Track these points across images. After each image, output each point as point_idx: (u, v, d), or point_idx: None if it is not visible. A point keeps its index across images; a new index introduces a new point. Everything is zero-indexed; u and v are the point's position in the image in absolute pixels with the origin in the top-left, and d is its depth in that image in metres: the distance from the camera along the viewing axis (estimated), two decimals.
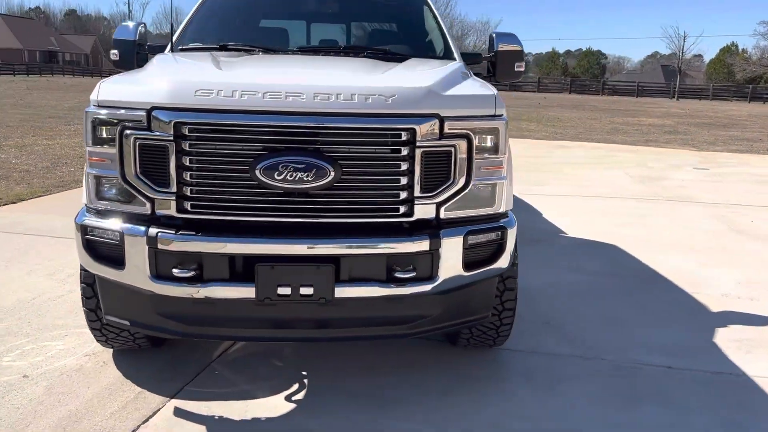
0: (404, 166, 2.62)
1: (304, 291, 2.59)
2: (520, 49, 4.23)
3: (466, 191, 2.75)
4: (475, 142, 2.73)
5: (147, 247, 2.59)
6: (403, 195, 2.65)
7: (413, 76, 3.09)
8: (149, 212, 2.64)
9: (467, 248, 2.75)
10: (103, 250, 2.72)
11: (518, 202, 6.95)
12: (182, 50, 3.77)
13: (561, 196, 7.97)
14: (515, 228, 2.93)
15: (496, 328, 3.29)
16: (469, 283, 2.84)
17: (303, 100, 2.56)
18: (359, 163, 2.60)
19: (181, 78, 2.76)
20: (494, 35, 4.15)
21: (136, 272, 2.64)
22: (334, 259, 2.61)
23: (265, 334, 2.81)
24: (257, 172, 2.51)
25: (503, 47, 4.14)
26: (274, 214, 2.61)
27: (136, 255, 2.62)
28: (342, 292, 2.63)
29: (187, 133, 2.55)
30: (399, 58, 3.63)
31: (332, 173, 2.53)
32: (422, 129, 2.61)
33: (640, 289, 4.60)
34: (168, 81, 2.66)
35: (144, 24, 4.16)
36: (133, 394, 3.01)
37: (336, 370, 3.29)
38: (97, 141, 2.67)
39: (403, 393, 3.10)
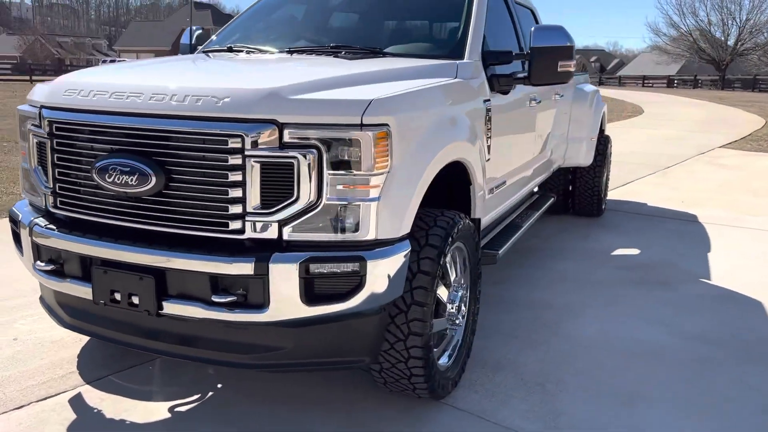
0: (233, 177, 2.35)
1: (133, 299, 2.50)
2: (565, 45, 3.46)
3: (315, 211, 2.36)
4: (327, 155, 2.33)
5: (30, 237, 2.76)
6: (234, 209, 2.37)
7: (282, 76, 2.74)
8: (44, 205, 2.80)
9: (307, 278, 2.35)
10: (15, 236, 2.96)
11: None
12: (203, 52, 3.90)
13: None
14: (390, 260, 2.43)
15: (407, 377, 2.76)
16: (325, 319, 2.44)
17: (139, 101, 2.46)
18: (187, 170, 2.41)
19: (66, 78, 2.86)
20: (533, 29, 3.45)
21: (27, 259, 2.83)
22: (160, 271, 2.46)
23: (112, 335, 2.77)
24: (93, 173, 2.49)
25: (540, 44, 3.43)
26: (113, 217, 2.56)
27: (26, 243, 2.81)
28: (169, 307, 2.47)
29: (54, 131, 2.64)
30: (374, 55, 3.31)
31: (154, 179, 2.39)
32: (254, 136, 2.31)
33: None
34: (55, 81, 2.79)
35: (203, 28, 4.39)
36: (65, 372, 3.22)
37: (266, 394, 3.11)
38: (21, 135, 2.92)
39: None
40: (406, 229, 2.54)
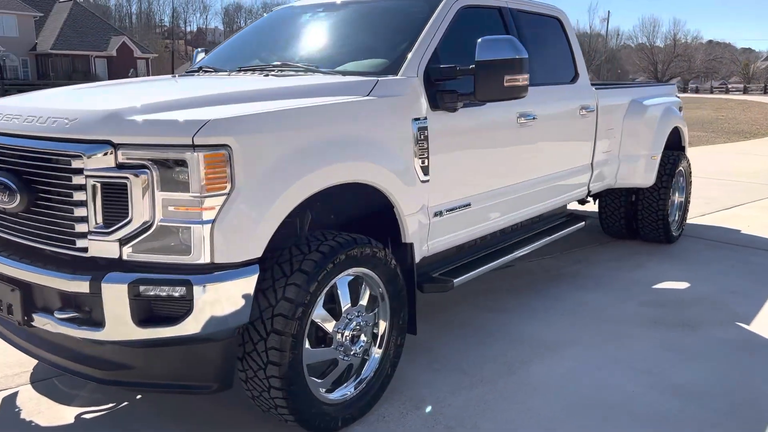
0: (78, 196, 2.42)
1: (11, 308, 2.65)
2: (512, 58, 3.16)
3: (150, 232, 2.36)
4: (160, 176, 2.33)
5: None
6: (80, 227, 2.44)
7: (136, 97, 2.74)
8: None
9: (137, 299, 2.36)
10: None
11: None
12: (186, 73, 4.07)
13: None
14: (226, 284, 2.36)
15: (274, 408, 2.66)
16: (163, 342, 2.42)
17: (16, 123, 2.63)
18: (45, 189, 2.53)
19: None
20: (479, 41, 3.19)
21: None
22: (26, 284, 2.58)
23: (8, 336, 2.93)
24: None
25: (485, 57, 3.16)
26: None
27: None
28: (37, 319, 2.59)
29: None
30: (304, 73, 3.27)
31: (19, 196, 2.52)
32: (91, 156, 2.37)
33: None
34: None
35: (206, 50, 4.58)
36: (19, 371, 3.49)
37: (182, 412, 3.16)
38: None
39: None
40: (254, 253, 2.45)
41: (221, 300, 2.37)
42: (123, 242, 2.38)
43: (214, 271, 2.37)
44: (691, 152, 13.33)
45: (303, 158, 2.58)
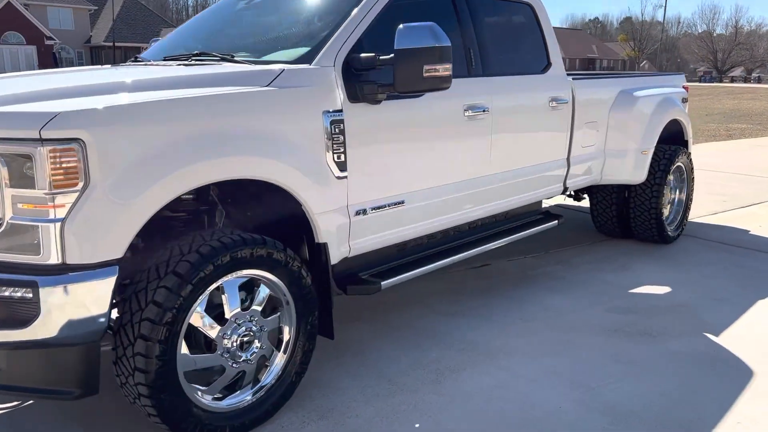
0: None
1: None
2: (431, 47, 2.94)
3: (1, 230, 2.26)
4: (7, 172, 2.22)
5: None
6: None
7: (5, 87, 2.61)
8: None
9: None
10: None
11: None
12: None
13: None
14: (79, 286, 2.25)
15: (147, 415, 2.53)
16: (20, 345, 2.32)
17: None
18: None
19: None
20: (398, 28, 2.98)
21: None
22: None
23: None
24: None
25: (403, 45, 2.95)
26: None
27: None
28: None
29: None
30: (217, 62, 3.15)
31: None
32: None
33: None
34: None
35: (157, 40, 4.47)
36: None
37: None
38: None
39: None
40: (112, 254, 2.32)
41: (73, 303, 2.26)
42: None
43: (66, 272, 2.25)
44: (725, 146, 12.72)
45: (175, 153, 2.43)
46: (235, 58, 3.20)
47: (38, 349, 2.32)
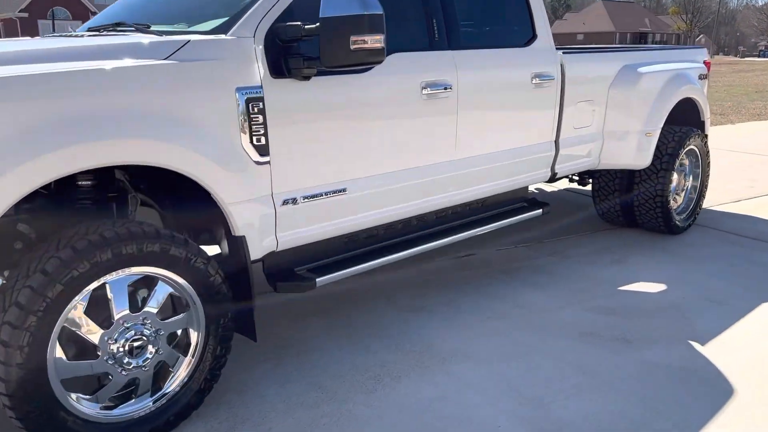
0: None
1: None
2: (357, 15, 2.57)
3: None
4: None
5: None
6: None
7: None
8: None
9: None
10: None
11: None
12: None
13: None
14: None
15: (17, 428, 2.29)
16: None
17: None
18: None
19: None
20: None
21: None
22: None
23: None
24: None
25: (329, 14, 2.59)
26: None
27: None
28: None
29: None
30: (134, 32, 2.86)
31: None
32: None
33: None
34: None
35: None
36: None
37: None
38: None
39: None
40: None
41: None
42: None
43: None
44: (760, 126, 11.83)
45: (34, 136, 2.14)
46: (151, 29, 2.88)
47: None
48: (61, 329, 2.26)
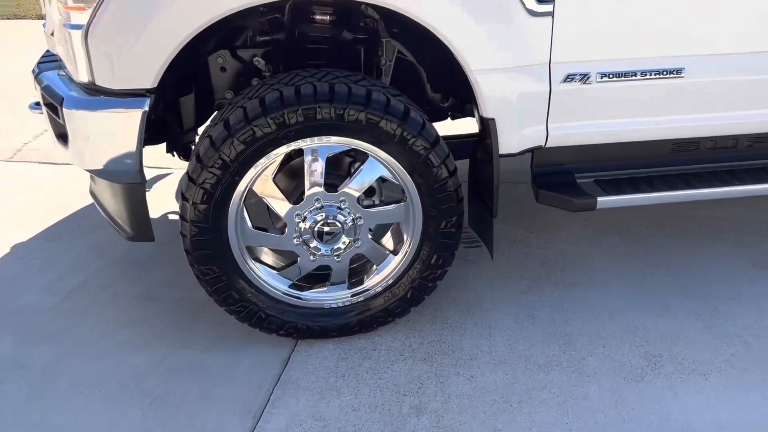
0: None
1: None
2: None
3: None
4: None
5: None
6: None
7: None
8: None
9: None
10: None
11: None
12: None
13: None
14: (90, 113, 1.89)
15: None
16: None
17: None
18: None
19: None
20: None
21: None
22: None
23: None
24: None
25: None
26: None
27: None
28: None
29: None
30: None
31: None
32: None
33: None
34: None
35: None
36: None
37: None
38: None
39: None
40: (140, 82, 1.83)
41: (96, 131, 1.88)
42: None
43: (94, 94, 1.86)
44: None
45: None
46: None
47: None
48: (245, 193, 1.93)
